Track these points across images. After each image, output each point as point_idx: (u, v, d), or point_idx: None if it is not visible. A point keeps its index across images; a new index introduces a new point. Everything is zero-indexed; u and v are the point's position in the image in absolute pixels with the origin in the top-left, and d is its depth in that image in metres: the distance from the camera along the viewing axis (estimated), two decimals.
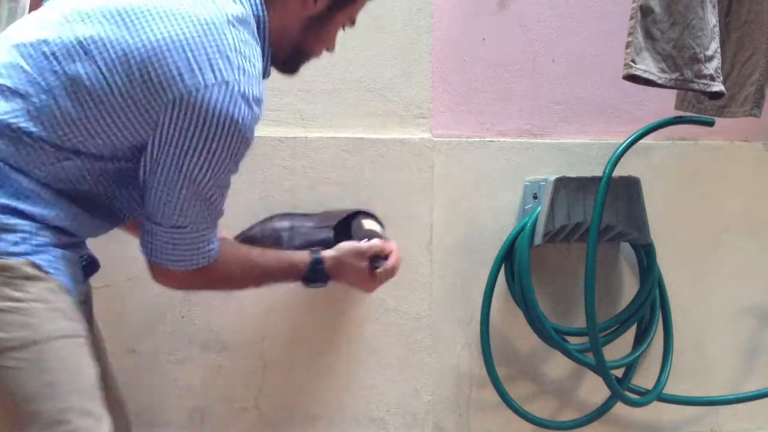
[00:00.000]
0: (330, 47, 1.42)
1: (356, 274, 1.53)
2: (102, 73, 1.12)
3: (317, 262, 1.46)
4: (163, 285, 1.32)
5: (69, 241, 1.19)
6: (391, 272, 1.58)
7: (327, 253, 1.50)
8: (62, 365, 1.10)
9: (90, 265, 1.27)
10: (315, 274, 1.47)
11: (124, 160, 1.19)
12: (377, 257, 1.56)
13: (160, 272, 1.28)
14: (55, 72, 1.13)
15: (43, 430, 1.08)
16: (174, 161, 1.16)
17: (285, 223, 1.74)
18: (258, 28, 1.24)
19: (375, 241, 1.57)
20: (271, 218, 1.77)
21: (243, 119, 1.15)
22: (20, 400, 1.07)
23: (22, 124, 1.11)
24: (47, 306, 1.11)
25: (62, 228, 1.17)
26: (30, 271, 1.10)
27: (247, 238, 1.72)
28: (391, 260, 1.57)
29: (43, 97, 1.12)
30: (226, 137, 1.15)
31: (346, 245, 1.55)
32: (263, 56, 1.26)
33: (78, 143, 1.14)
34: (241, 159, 1.22)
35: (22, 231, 1.11)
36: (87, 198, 1.20)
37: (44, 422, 1.07)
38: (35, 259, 1.11)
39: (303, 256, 1.47)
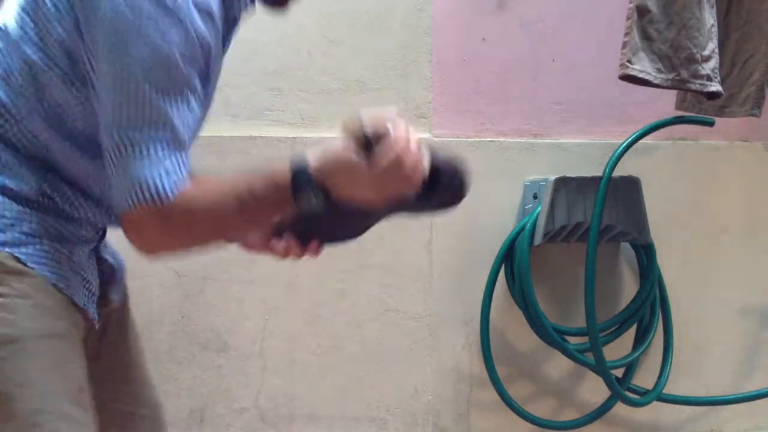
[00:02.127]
0: None
1: (346, 167, 1.05)
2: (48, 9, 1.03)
3: (300, 164, 1.06)
4: (134, 245, 1.07)
5: (64, 231, 1.10)
6: (400, 166, 1.03)
7: (311, 155, 1.08)
8: (41, 365, 1.03)
9: (106, 271, 1.20)
10: (301, 188, 1.05)
11: (75, 88, 1.06)
12: (369, 141, 1.04)
13: (130, 225, 1.04)
14: (19, 23, 1.05)
15: (18, 431, 1.01)
16: (105, 64, 1.00)
17: None
18: None
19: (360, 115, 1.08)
20: None
21: None
22: None
23: None
24: (31, 303, 1.03)
25: (48, 197, 1.08)
26: (14, 265, 1.03)
27: None
28: (386, 145, 1.03)
29: (12, 51, 1.04)
30: (147, 19, 0.98)
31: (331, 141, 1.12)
32: None
33: (45, 89, 1.04)
34: (172, 43, 1.01)
35: (4, 216, 1.03)
36: (64, 168, 1.09)
37: (19, 423, 1.01)
38: (20, 252, 1.03)
39: (281, 166, 1.07)
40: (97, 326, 1.16)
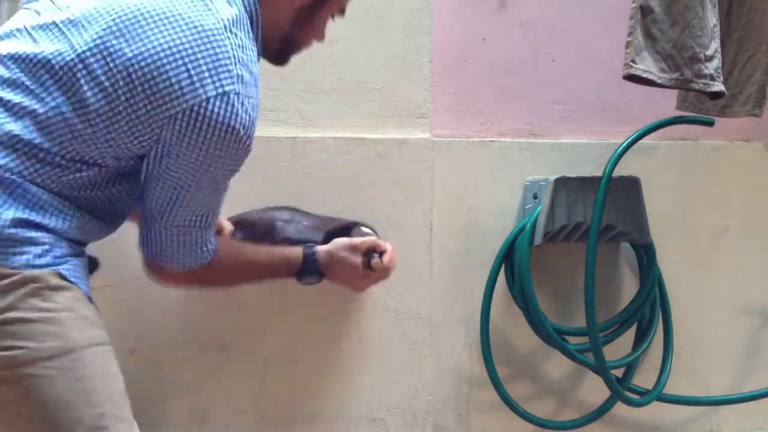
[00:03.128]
0: (319, 37, 1.42)
1: (349, 269, 1.54)
2: (105, 89, 1.14)
3: (311, 255, 1.48)
4: (159, 282, 1.35)
5: (81, 249, 1.22)
6: (385, 271, 1.58)
7: (321, 248, 1.52)
8: (95, 372, 1.12)
9: (90, 265, 1.28)
10: (308, 268, 1.48)
11: (128, 167, 1.22)
12: (372, 253, 1.55)
13: (157, 270, 1.31)
14: (60, 89, 1.14)
15: None
16: (176, 170, 1.19)
17: (285, 215, 1.74)
18: (252, 23, 1.26)
19: (370, 237, 1.57)
20: (273, 208, 1.78)
21: (243, 127, 1.18)
22: (56, 408, 1.08)
23: (36, 141, 1.13)
24: (76, 315, 1.13)
25: (75, 238, 1.19)
26: (56, 281, 1.12)
27: (242, 220, 1.72)
28: (386, 257, 1.57)
29: (51, 114, 1.13)
30: (227, 146, 1.18)
31: (340, 240, 1.56)
32: (257, 52, 1.27)
33: (86, 155, 1.16)
34: (239, 163, 1.25)
35: (44, 243, 1.13)
36: (94, 204, 1.22)
37: (86, 427, 1.09)
38: (60, 269, 1.13)
39: (296, 251, 1.49)
40: None
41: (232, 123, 1.16)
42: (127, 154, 1.19)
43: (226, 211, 1.37)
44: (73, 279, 1.15)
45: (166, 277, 1.33)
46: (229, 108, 1.16)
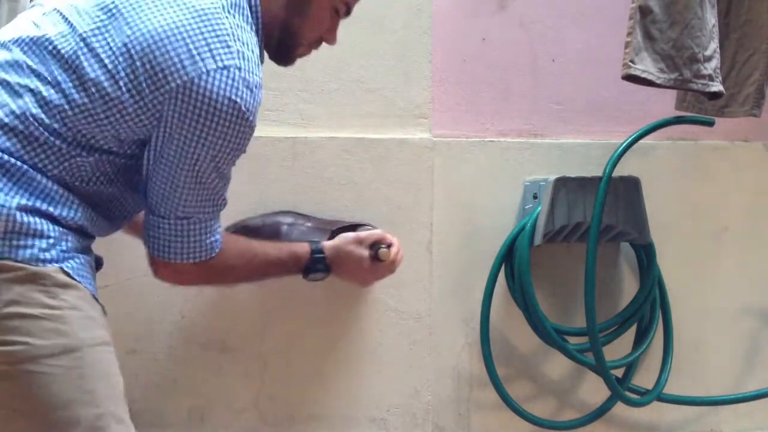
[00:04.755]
0: (329, 37, 1.41)
1: (356, 262, 1.54)
2: (106, 66, 1.14)
3: (317, 251, 1.48)
4: (166, 280, 1.32)
5: (87, 243, 1.21)
6: (391, 264, 1.58)
7: (327, 243, 1.52)
8: (97, 372, 1.12)
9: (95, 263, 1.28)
10: (315, 264, 1.48)
11: (130, 154, 1.21)
12: (378, 245, 1.56)
13: (163, 267, 1.28)
14: (62, 67, 1.14)
15: None
16: (178, 150, 1.17)
17: (288, 219, 1.75)
18: (251, 11, 1.26)
19: (376, 231, 1.57)
20: (275, 213, 1.79)
21: (245, 103, 1.17)
22: (56, 406, 1.08)
23: (35, 117, 1.12)
24: (81, 314, 1.12)
25: (82, 229, 1.18)
26: (63, 278, 1.12)
27: (245, 226, 1.73)
28: (393, 249, 1.57)
29: (52, 91, 1.14)
30: (229, 123, 1.16)
31: (346, 234, 1.57)
32: (258, 40, 1.27)
33: (88, 135, 1.15)
34: (244, 145, 1.23)
35: (49, 236, 1.12)
36: (98, 197, 1.21)
37: (85, 427, 1.09)
38: (65, 266, 1.12)
39: (303, 245, 1.49)
40: None
41: (233, 96, 1.15)
42: (130, 136, 1.17)
43: (226, 212, 1.36)
44: (78, 277, 1.14)
45: (175, 275, 1.30)
46: (230, 81, 1.15)
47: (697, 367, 2.12)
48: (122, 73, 1.14)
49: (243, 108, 1.16)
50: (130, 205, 1.29)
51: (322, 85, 1.87)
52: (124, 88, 1.14)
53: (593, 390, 2.03)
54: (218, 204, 1.26)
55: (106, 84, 1.14)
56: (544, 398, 2.04)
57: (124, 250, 1.55)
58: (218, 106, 1.15)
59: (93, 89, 1.14)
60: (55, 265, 1.11)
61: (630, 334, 2.03)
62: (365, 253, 1.54)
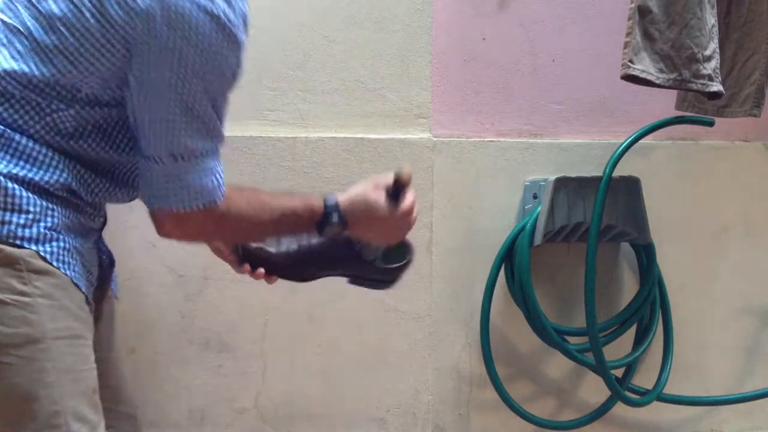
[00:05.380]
0: None
1: (372, 205, 1.27)
2: (73, 2, 1.06)
3: (332, 200, 1.27)
4: (171, 236, 1.16)
5: (83, 219, 1.13)
6: (410, 211, 1.30)
7: (341, 195, 1.30)
8: (61, 366, 1.06)
9: (107, 263, 1.23)
10: (330, 215, 1.26)
11: (113, 103, 1.12)
12: (396, 190, 1.31)
13: (166, 220, 1.14)
14: (31, 14, 1.08)
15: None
16: (160, 79, 1.07)
17: None
18: None
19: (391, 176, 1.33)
20: None
21: (224, 14, 1.06)
22: (17, 397, 1.04)
23: (7, 72, 1.05)
24: (53, 303, 1.06)
25: (74, 194, 1.11)
26: (39, 264, 1.06)
27: None
28: (410, 195, 1.31)
29: (24, 41, 1.07)
30: (209, 39, 1.06)
31: (357, 185, 1.33)
32: None
33: (68, 85, 1.08)
34: (233, 66, 1.12)
35: (28, 211, 1.05)
36: (88, 156, 1.13)
37: (39, 423, 1.04)
38: (44, 250, 1.06)
39: (316, 197, 1.28)
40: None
41: (209, 8, 1.05)
42: (102, 76, 1.08)
43: None
44: (57, 263, 1.07)
45: (178, 227, 1.14)
46: None
47: (697, 367, 2.12)
48: (88, 4, 1.05)
49: (223, 20, 1.06)
50: (126, 168, 1.18)
51: (322, 85, 1.87)
52: (89, 14, 1.05)
53: (593, 390, 2.03)
54: (214, 137, 1.12)
55: (70, 16, 1.05)
56: (544, 398, 2.04)
57: (124, 251, 1.55)
58: (193, 21, 1.04)
59: (61, 27, 1.06)
60: (33, 247, 1.05)
61: (630, 334, 2.03)
62: (381, 196, 1.28)
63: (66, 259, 1.09)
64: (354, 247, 1.36)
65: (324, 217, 1.25)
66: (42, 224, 1.07)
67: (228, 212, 1.15)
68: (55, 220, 1.08)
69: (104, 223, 1.25)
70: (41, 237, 1.06)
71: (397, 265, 1.38)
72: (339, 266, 1.38)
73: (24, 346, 1.04)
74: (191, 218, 1.12)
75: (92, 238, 1.18)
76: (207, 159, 1.12)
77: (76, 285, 1.10)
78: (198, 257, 1.78)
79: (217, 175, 1.13)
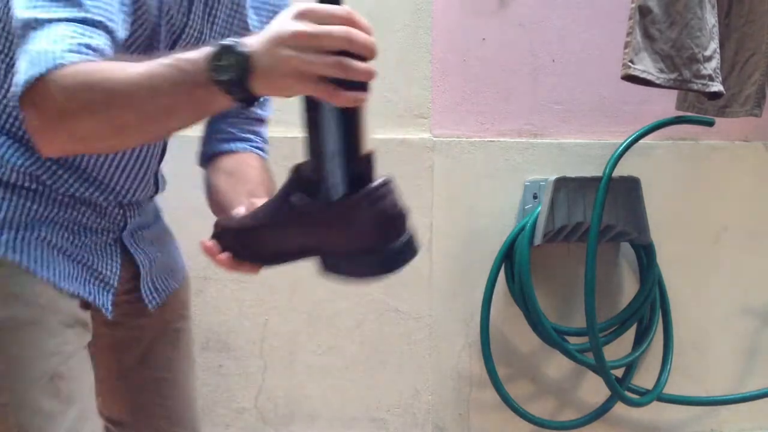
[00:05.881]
0: None
1: (280, 25, 0.83)
2: None
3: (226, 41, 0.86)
4: (35, 131, 0.91)
5: (55, 210, 1.05)
6: (335, 15, 0.84)
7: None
8: (3, 356, 1.00)
9: (145, 265, 1.16)
10: (223, 53, 0.85)
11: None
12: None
13: (24, 108, 0.90)
14: None
15: None
16: None
17: None
18: None
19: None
20: None
21: None
22: None
23: None
24: None
25: (40, 184, 1.04)
26: None
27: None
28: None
29: None
30: None
31: None
32: None
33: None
34: None
35: None
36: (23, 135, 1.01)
37: None
38: None
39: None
40: (110, 317, 1.11)
41: None
42: None
43: None
44: (6, 252, 1.00)
45: (37, 113, 0.89)
46: None
47: (697, 367, 2.12)
48: None
49: None
50: None
51: None
52: None
53: (593, 390, 2.03)
54: (73, 4, 0.91)
55: None
56: (544, 398, 2.04)
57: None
58: None
59: None
60: None
61: (630, 334, 2.03)
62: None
63: (21, 247, 1.02)
64: (315, 189, 0.93)
65: (214, 57, 0.85)
66: None
67: (87, 77, 0.87)
68: (9, 213, 1.02)
69: (124, 226, 1.15)
70: None
71: (364, 193, 0.90)
72: (306, 224, 0.98)
73: None
74: (44, 95, 0.87)
75: (97, 236, 1.11)
76: (55, 24, 0.90)
77: (32, 272, 1.02)
78: (198, 257, 1.77)
79: (74, 46, 0.89)
